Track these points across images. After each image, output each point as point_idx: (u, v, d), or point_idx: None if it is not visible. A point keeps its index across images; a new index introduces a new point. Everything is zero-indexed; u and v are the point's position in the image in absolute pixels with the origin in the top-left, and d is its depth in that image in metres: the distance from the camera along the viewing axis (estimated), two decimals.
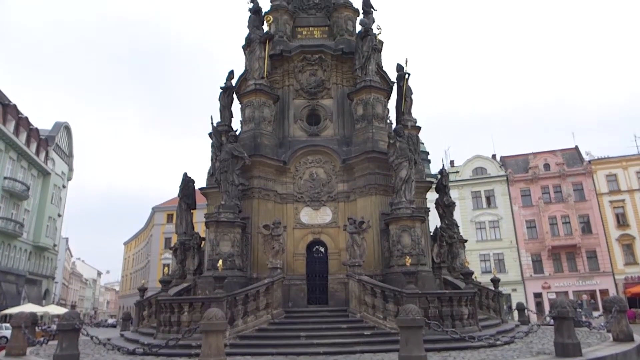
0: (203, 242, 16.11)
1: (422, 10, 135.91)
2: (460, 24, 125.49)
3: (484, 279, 23.04)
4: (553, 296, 38.34)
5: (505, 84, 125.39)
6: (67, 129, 49.34)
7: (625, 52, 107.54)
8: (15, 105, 37.33)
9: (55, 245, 46.57)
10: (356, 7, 18.08)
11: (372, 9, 17.78)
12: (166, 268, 42.54)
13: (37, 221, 41.72)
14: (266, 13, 17.71)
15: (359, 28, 16.91)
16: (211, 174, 16.00)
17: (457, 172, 45.83)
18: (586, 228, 41.16)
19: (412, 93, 17.25)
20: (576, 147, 46.59)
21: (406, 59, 16.95)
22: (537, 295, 40.54)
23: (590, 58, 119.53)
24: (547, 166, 44.07)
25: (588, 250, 40.47)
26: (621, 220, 40.51)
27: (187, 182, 17.60)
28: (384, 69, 17.15)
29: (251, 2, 17.70)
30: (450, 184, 20.00)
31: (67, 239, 71.29)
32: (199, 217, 23.94)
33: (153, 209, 57.04)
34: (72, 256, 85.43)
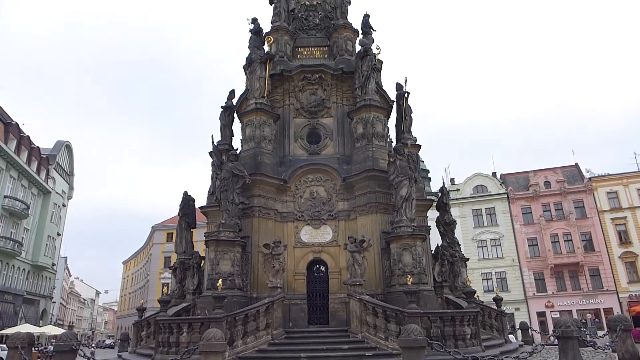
0: (203, 262, 16.00)
1: (422, 28, 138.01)
2: (459, 42, 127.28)
3: (487, 298, 22.83)
4: (557, 315, 37.83)
5: (504, 102, 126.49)
6: (69, 147, 49.54)
7: (624, 69, 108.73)
8: (17, 124, 37.55)
9: (54, 264, 46.25)
10: (355, 28, 18.35)
11: (371, 30, 18.04)
12: (165, 288, 41.99)
13: (36, 240, 41.52)
14: (267, 34, 17.97)
15: (358, 48, 17.13)
16: (211, 193, 16.00)
17: (458, 190, 45.83)
18: (588, 246, 40.90)
19: (411, 112, 17.36)
20: (576, 165, 46.66)
21: (405, 78, 17.14)
22: (541, 314, 40.03)
23: (589, 75, 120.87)
24: (547, 184, 44.07)
25: (591, 268, 40.14)
26: (623, 238, 40.29)
27: (187, 201, 17.59)
28: (383, 88, 17.30)
29: (252, 23, 18.00)
30: (450, 202, 19.98)
31: (65, 258, 70.83)
32: (199, 236, 23.81)
33: (153, 227, 56.86)
34: (70, 275, 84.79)
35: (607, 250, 39.98)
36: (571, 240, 41.04)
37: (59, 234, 47.31)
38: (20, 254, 37.46)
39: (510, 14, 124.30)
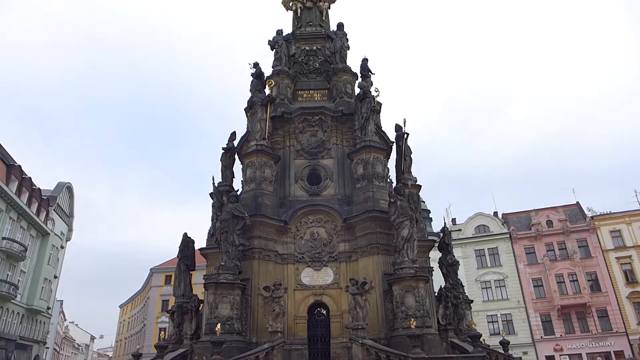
0: (201, 305, 15.64)
1: (420, 68, 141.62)
2: (457, 83, 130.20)
3: (493, 342, 22.11)
4: (566, 359, 36.62)
5: (502, 141, 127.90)
6: (69, 189, 49.66)
7: (622, 106, 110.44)
8: (19, 166, 37.85)
9: (49, 308, 45.23)
10: (354, 72, 18.84)
11: (369, 73, 18.51)
12: (162, 332, 41.02)
13: (32, 283, 40.81)
14: (268, 77, 18.44)
15: (357, 91, 17.52)
16: (211, 234, 15.88)
17: (460, 230, 45.51)
18: (595, 286, 40.13)
19: (411, 152, 17.51)
20: (577, 203, 46.55)
21: (404, 119, 17.37)
22: (550, 359, 38.71)
23: (587, 114, 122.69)
24: (549, 223, 43.82)
25: (599, 309, 39.19)
26: (630, 277, 39.59)
27: (187, 243, 17.41)
28: (382, 129, 17.54)
29: (254, 67, 18.51)
30: (452, 243, 19.76)
31: (61, 302, 69.31)
32: (198, 279, 23.46)
33: (151, 270, 56.03)
34: (65, 320, 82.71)
35: (614, 291, 39.19)
36: (577, 280, 40.32)
37: (55, 277, 46.56)
38: (16, 297, 36.73)
39: (507, 52, 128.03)
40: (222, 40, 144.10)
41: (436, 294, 15.93)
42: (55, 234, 44.78)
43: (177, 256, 17.48)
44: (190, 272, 17.33)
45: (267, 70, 18.74)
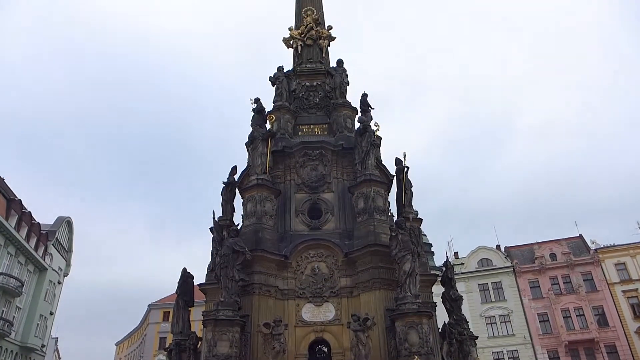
0: (200, 343, 15.28)
1: (420, 101, 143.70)
2: (456, 117, 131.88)
3: None
4: None
5: (503, 174, 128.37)
6: (69, 223, 49.49)
7: (625, 137, 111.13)
8: (20, 201, 37.91)
9: (43, 346, 44.14)
10: (354, 106, 19.13)
11: (369, 108, 18.80)
12: None
13: (28, 319, 40.03)
14: (269, 112, 18.72)
15: (357, 125, 17.73)
16: (211, 269, 15.70)
17: (462, 264, 45.04)
18: (602, 320, 39.32)
19: (411, 186, 17.54)
20: (580, 236, 46.24)
21: (404, 153, 17.47)
22: None
23: (588, 145, 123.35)
24: (553, 256, 43.40)
25: (607, 344, 38.24)
26: (637, 311, 38.87)
27: (186, 278, 17.17)
28: (383, 163, 17.65)
29: (255, 102, 18.83)
30: (456, 277, 19.47)
31: (56, 339, 67.73)
32: (197, 315, 22.99)
33: (149, 306, 55.10)
34: (60, 358, 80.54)
35: (622, 325, 38.34)
36: (583, 315, 39.55)
37: (51, 313, 45.72)
38: (10, 334, 35.95)
39: (508, 83, 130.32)
40: (224, 76, 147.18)
41: (440, 330, 15.57)
42: (52, 269, 44.31)
43: (176, 292, 17.20)
44: (189, 309, 17.02)
45: (268, 106, 19.06)
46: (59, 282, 47.82)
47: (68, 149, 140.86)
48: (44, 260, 41.84)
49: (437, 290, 17.49)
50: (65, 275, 49.98)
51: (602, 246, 43.12)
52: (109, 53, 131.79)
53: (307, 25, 21.30)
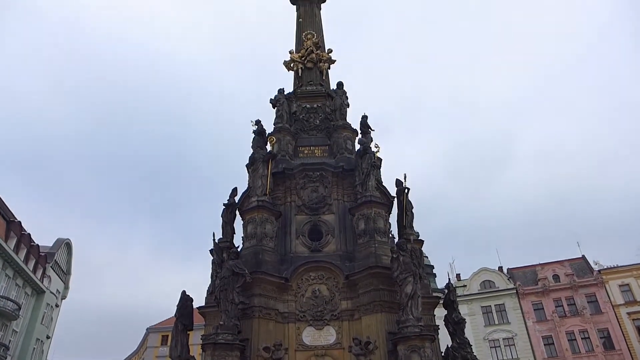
0: None
1: (421, 122, 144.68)
2: (457, 137, 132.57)
3: None
4: None
5: (504, 195, 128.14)
6: (68, 245, 49.23)
7: (628, 157, 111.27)
8: (19, 222, 37.80)
9: None
10: (354, 128, 19.28)
11: (369, 129, 18.94)
12: None
13: (24, 343, 39.40)
14: (269, 134, 18.84)
15: (357, 147, 17.82)
16: (210, 292, 15.54)
17: (465, 286, 44.59)
18: (608, 343, 38.66)
19: (412, 207, 17.48)
20: (583, 257, 45.90)
21: (404, 174, 17.46)
22: None
23: (590, 165, 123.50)
24: (556, 277, 43.01)
25: None
26: None
27: (185, 301, 16.92)
28: (383, 184, 17.65)
29: (255, 124, 18.98)
30: (458, 299, 19.25)
31: None
32: (196, 339, 22.59)
33: (147, 329, 54.29)
34: None
35: (629, 348, 37.66)
36: (588, 337, 38.93)
37: (48, 337, 45.04)
38: (6, 358, 35.33)
39: (509, 105, 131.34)
40: (224, 97, 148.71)
41: (443, 354, 15.31)
42: (50, 292, 43.89)
43: (175, 315, 16.93)
44: (188, 332, 16.72)
45: (269, 128, 19.21)
46: (57, 305, 47.28)
47: (69, 170, 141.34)
48: (42, 282, 41.46)
49: (440, 313, 17.24)
50: (63, 298, 49.44)
51: (605, 267, 42.76)
52: (111, 75, 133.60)
53: (307, 48, 21.65)
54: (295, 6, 24.37)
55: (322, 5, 24.52)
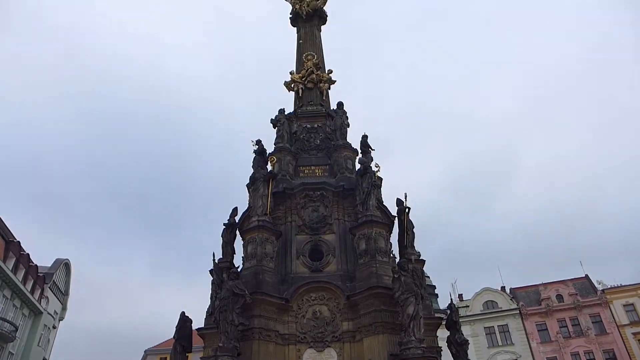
0: None
1: (423, 141, 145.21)
2: (458, 156, 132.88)
3: None
4: None
5: (506, 213, 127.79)
6: (67, 265, 48.90)
7: (630, 175, 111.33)
8: (18, 242, 37.63)
9: None
10: (355, 148, 19.34)
11: (369, 149, 19.01)
12: None
13: None
14: (270, 154, 18.91)
15: (358, 166, 17.86)
16: (210, 313, 15.36)
17: (467, 306, 44.05)
18: None
19: (413, 226, 17.43)
20: (587, 276, 45.50)
21: (405, 194, 17.45)
22: None
23: (592, 184, 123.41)
24: (560, 297, 42.56)
25: None
26: None
27: (184, 322, 16.74)
28: (384, 203, 17.63)
29: (256, 144, 19.08)
30: (461, 320, 19.01)
31: None
32: None
33: (145, 351, 53.39)
34: None
35: None
36: (594, 358, 38.28)
37: (45, 359, 44.31)
38: None
39: (510, 123, 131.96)
40: (224, 118, 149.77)
41: None
42: (48, 313, 43.38)
43: (174, 337, 16.71)
44: (187, 354, 16.48)
45: (270, 147, 19.30)
46: (54, 327, 46.68)
47: (69, 190, 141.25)
48: (40, 303, 41.04)
49: (442, 334, 17.00)
50: (61, 319, 48.85)
51: (609, 287, 42.36)
52: (110, 96, 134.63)
53: (307, 69, 21.93)
54: (295, 28, 24.78)
55: (322, 27, 24.95)
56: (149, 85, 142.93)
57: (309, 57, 22.34)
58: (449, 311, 17.59)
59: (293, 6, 24.50)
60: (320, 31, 24.72)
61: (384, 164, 21.03)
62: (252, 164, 18.52)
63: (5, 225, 37.35)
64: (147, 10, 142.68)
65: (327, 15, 24.99)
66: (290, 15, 24.90)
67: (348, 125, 20.13)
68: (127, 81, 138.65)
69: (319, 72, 22.02)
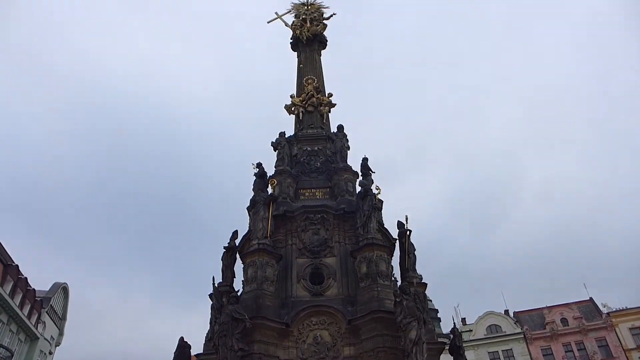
0: None
1: (425, 163, 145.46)
2: (461, 179, 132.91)
3: None
4: None
5: (509, 237, 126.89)
6: (65, 290, 48.38)
7: (635, 196, 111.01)
8: (17, 266, 37.32)
9: None
10: (355, 170, 19.37)
11: (370, 171, 19.03)
12: None
13: None
14: (270, 177, 18.93)
15: (358, 189, 17.85)
16: (209, 339, 15.09)
17: (470, 330, 43.32)
18: None
19: (414, 249, 17.30)
20: (591, 299, 44.88)
21: (406, 216, 17.40)
22: None
23: (596, 206, 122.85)
24: (564, 321, 41.89)
25: None
26: None
27: (182, 348, 16.45)
28: (385, 226, 17.57)
29: (257, 167, 19.12)
30: (464, 345, 18.67)
31: None
32: None
33: None
34: None
35: None
36: None
37: None
38: None
39: (514, 147, 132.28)
40: (225, 141, 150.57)
41: None
42: (44, 339, 42.67)
43: None
44: None
45: (270, 170, 19.33)
46: (50, 353, 45.84)
47: (68, 214, 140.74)
48: (37, 328, 40.42)
49: (446, 359, 16.69)
50: (57, 344, 48.01)
51: (614, 310, 41.71)
52: (110, 117, 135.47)
53: (308, 92, 22.19)
54: (296, 52, 25.18)
55: (322, 51, 25.37)
56: (145, 112, 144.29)
57: (309, 81, 22.63)
58: (452, 335, 17.29)
59: (294, 31, 24.97)
60: (321, 55, 25.13)
61: (385, 186, 21.08)
62: (252, 186, 18.52)
63: (4, 248, 37.12)
64: (152, 35, 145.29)
65: (327, 40, 25.47)
66: (291, 40, 25.36)
67: (348, 148, 20.23)
68: (125, 109, 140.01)
69: (319, 95, 22.27)
